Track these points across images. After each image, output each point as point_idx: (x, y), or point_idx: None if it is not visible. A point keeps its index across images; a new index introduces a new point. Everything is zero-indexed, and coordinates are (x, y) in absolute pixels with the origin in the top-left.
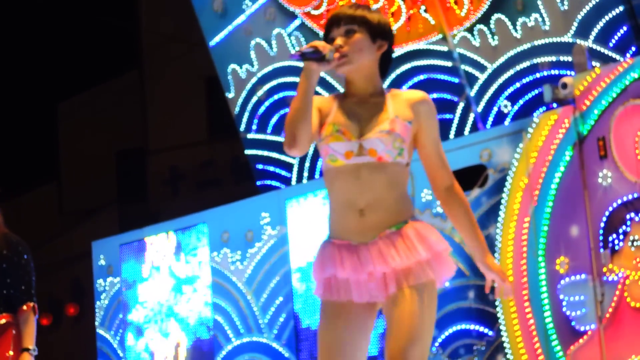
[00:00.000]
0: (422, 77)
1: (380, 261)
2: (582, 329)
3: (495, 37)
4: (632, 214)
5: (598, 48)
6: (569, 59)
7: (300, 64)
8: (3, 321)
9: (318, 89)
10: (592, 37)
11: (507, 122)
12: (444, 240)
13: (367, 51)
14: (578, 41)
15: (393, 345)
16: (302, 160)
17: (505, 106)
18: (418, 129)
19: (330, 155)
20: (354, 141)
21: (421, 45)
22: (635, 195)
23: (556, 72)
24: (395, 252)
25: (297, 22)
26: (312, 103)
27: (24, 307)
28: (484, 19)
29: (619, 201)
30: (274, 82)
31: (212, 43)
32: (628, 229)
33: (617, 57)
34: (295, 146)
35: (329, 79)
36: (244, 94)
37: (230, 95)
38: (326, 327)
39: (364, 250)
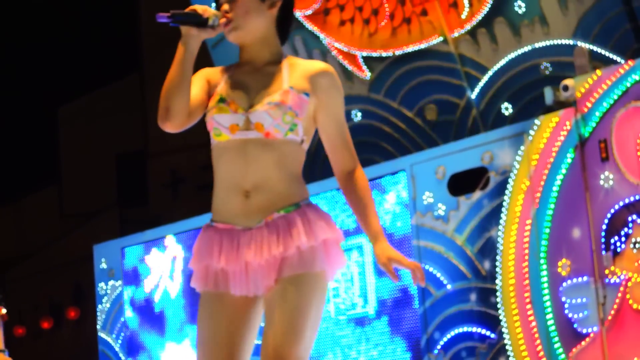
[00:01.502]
0: (422, 78)
1: (259, 250)
2: (584, 331)
3: (496, 39)
4: (634, 216)
5: (599, 50)
6: (570, 60)
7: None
8: None
9: None
10: (593, 39)
11: (508, 124)
12: (336, 228)
13: (255, 12)
14: (579, 43)
15: (270, 343)
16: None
17: (506, 108)
18: (317, 104)
19: (215, 128)
20: (240, 113)
21: (421, 46)
22: (637, 197)
23: (557, 74)
24: (276, 239)
25: (298, 25)
26: (189, 73)
27: None
28: (485, 21)
29: (621, 203)
30: None
31: (212, 45)
32: (630, 231)
33: (618, 59)
34: (168, 119)
35: None
36: None
37: None
38: (204, 320)
39: (246, 236)
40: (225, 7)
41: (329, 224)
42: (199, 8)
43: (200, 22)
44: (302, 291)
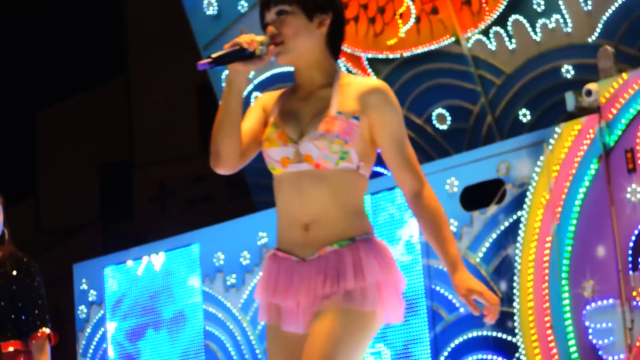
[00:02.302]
0: (432, 82)
1: (307, 289)
2: (610, 358)
3: (513, 40)
4: None
5: (625, 51)
6: (594, 63)
7: None
8: (11, 349)
9: None
10: (618, 39)
11: (526, 132)
12: (393, 269)
13: (304, 33)
14: (603, 44)
15: None
16: None
17: (524, 115)
18: (371, 125)
19: (269, 162)
20: (290, 146)
21: (432, 47)
22: None
23: (580, 77)
24: (323, 279)
25: None
26: (238, 112)
27: (38, 334)
28: (501, 20)
29: None
30: (272, 90)
31: (204, 47)
32: None
33: None
34: (219, 165)
35: None
36: None
37: None
38: (275, 354)
39: (300, 270)
40: (272, 29)
41: (384, 263)
42: (244, 39)
43: (246, 56)
44: (339, 320)
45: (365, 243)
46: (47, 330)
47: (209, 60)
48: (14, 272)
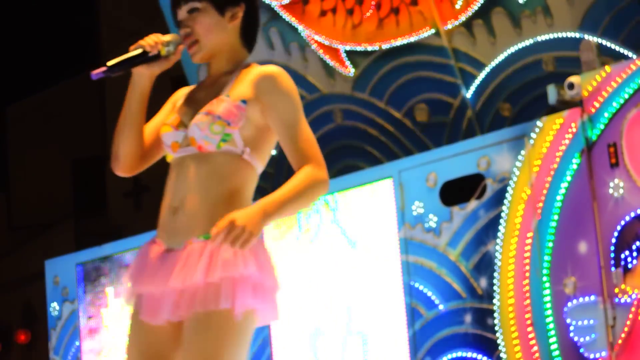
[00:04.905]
0: (411, 75)
1: (177, 277)
2: (591, 356)
3: (494, 32)
4: None
5: (608, 44)
6: (576, 55)
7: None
8: None
9: None
10: (601, 32)
11: (506, 126)
12: (250, 264)
13: (216, 29)
14: (586, 36)
15: None
16: (279, 170)
17: (505, 109)
18: (263, 109)
19: (164, 149)
20: (180, 130)
21: (411, 39)
22: None
23: (562, 70)
24: (183, 270)
25: (273, 16)
26: (139, 115)
27: None
28: (482, 12)
29: (632, 214)
30: None
31: None
32: None
33: (629, 53)
34: (117, 167)
35: None
36: None
37: None
38: (130, 341)
39: (170, 259)
40: (185, 30)
41: (242, 258)
42: (147, 42)
43: (148, 59)
44: (207, 335)
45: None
46: None
47: (104, 69)
48: None
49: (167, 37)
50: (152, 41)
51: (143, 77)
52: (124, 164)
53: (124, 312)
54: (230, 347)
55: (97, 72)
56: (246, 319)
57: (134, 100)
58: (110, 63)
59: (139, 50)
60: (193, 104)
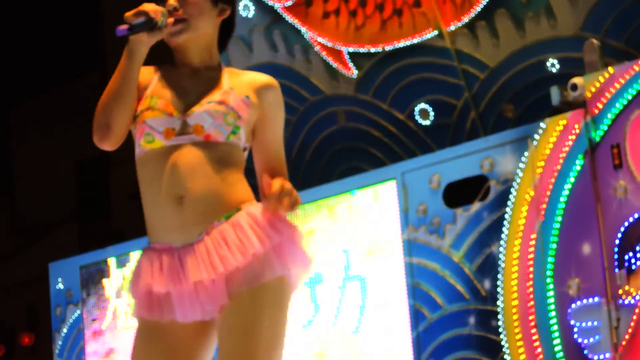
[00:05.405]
0: (414, 77)
1: (209, 265)
2: (595, 357)
3: (497, 34)
4: None
5: (611, 44)
6: (580, 56)
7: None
8: None
9: None
10: (604, 33)
11: (510, 127)
12: (289, 223)
13: (207, 16)
14: (589, 37)
15: None
16: None
17: (509, 110)
18: (261, 118)
19: (146, 134)
20: (176, 117)
21: (414, 41)
22: None
23: (565, 71)
24: (227, 250)
25: (277, 18)
26: (136, 84)
27: None
28: (485, 13)
29: (636, 215)
30: None
31: None
32: None
33: (633, 54)
34: (107, 138)
35: None
36: None
37: None
38: (137, 353)
39: (189, 253)
40: (172, 2)
41: (282, 220)
42: (149, 9)
43: (152, 26)
44: (255, 308)
45: (253, 206)
46: None
47: (126, 26)
48: None
49: (160, 8)
50: (153, 9)
51: (143, 45)
52: (117, 134)
53: (127, 314)
54: (280, 314)
55: (121, 30)
56: (292, 281)
57: (133, 70)
58: (131, 23)
59: (147, 17)
60: (181, 92)
